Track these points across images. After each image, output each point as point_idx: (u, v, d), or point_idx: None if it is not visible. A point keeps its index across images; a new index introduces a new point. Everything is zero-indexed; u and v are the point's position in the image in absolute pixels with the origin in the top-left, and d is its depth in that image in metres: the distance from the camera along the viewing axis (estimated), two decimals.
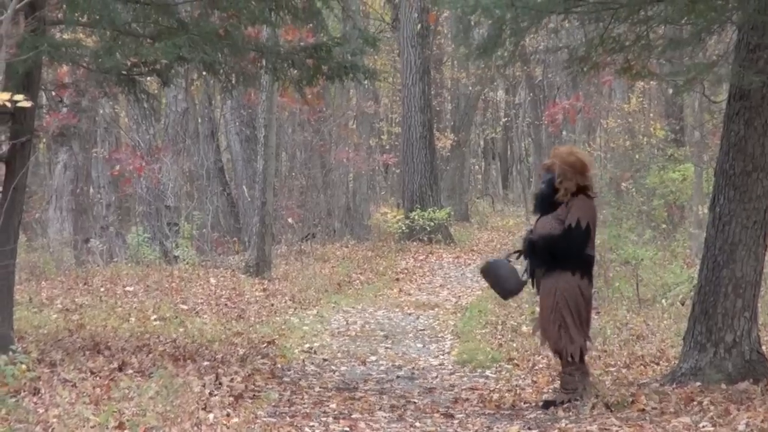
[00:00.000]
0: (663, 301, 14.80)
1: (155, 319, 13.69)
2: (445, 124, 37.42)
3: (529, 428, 8.18)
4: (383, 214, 28.56)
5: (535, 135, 39.31)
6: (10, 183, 9.97)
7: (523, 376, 10.63)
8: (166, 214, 22.40)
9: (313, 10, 11.35)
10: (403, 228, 26.82)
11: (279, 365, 11.14)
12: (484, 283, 11.04)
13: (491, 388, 10.10)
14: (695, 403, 8.45)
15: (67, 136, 21.93)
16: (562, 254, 8.78)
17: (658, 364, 10.69)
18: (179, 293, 16.25)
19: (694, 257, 17.92)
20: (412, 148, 28.05)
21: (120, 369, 9.80)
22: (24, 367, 7.59)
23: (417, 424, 8.40)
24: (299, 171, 28.51)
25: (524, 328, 13.23)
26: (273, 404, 8.81)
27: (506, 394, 9.65)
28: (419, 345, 13.38)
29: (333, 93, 29.63)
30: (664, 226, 22.39)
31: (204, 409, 7.99)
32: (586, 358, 9.20)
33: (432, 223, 26.81)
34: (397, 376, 11.04)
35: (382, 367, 11.63)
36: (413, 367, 11.63)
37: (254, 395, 9.10)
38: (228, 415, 7.92)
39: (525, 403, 9.28)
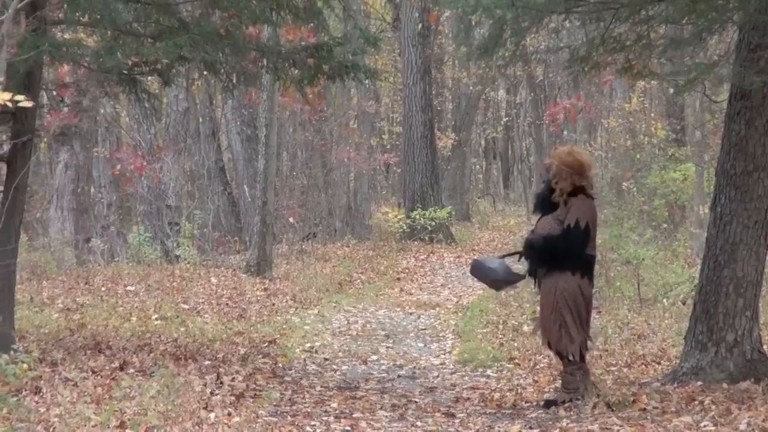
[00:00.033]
0: (664, 300, 14.80)
1: (156, 319, 13.69)
2: (446, 124, 37.42)
3: (531, 427, 8.18)
4: (384, 213, 28.56)
5: (536, 135, 39.33)
6: (12, 182, 9.97)
7: (524, 376, 10.63)
8: (167, 213, 22.41)
9: (314, 10, 11.35)
10: (404, 227, 26.82)
11: (280, 364, 11.14)
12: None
13: (492, 388, 10.10)
14: (696, 402, 8.45)
15: (68, 136, 21.93)
16: (561, 254, 8.79)
17: (659, 363, 10.69)
18: (180, 293, 16.25)
19: (695, 257, 17.92)
20: (413, 148, 28.05)
21: (121, 368, 9.81)
22: (25, 366, 7.59)
23: (418, 423, 8.40)
24: (300, 170, 28.51)
25: (525, 328, 13.23)
26: (274, 403, 8.81)
27: (507, 394, 9.66)
28: (420, 344, 13.38)
29: (334, 92, 29.62)
30: (665, 225, 22.39)
31: (205, 408, 7.99)
32: (587, 357, 9.21)
33: (433, 223, 26.81)
34: (399, 376, 11.05)
35: (383, 367, 11.63)
36: (414, 367, 11.63)
37: (255, 394, 9.10)
38: (229, 414, 7.93)
39: (526, 402, 9.28)
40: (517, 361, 11.42)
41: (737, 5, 9.21)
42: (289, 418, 8.33)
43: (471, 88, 35.68)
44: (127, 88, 11.73)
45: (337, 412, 8.74)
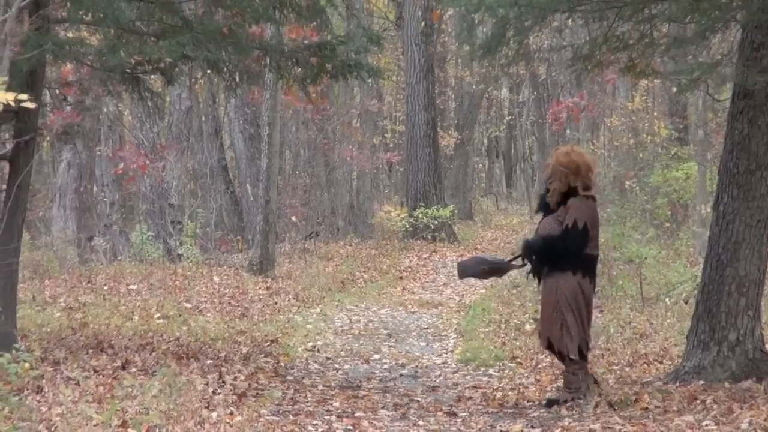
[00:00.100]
0: (666, 299, 14.80)
1: (158, 318, 13.69)
2: (448, 123, 37.42)
3: (533, 427, 8.18)
4: (387, 212, 28.56)
5: (539, 133, 39.33)
6: (14, 181, 9.98)
7: (526, 375, 10.63)
8: (170, 212, 22.41)
9: (317, 9, 11.34)
10: (407, 226, 26.82)
11: (282, 364, 11.14)
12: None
13: (494, 387, 10.10)
14: (698, 401, 8.45)
15: (70, 135, 21.93)
16: (560, 255, 8.81)
17: (661, 362, 10.69)
18: (183, 291, 16.26)
19: (697, 256, 17.91)
20: (415, 147, 28.05)
21: (123, 367, 9.81)
22: (27, 365, 7.60)
23: (420, 422, 8.40)
24: (303, 169, 28.51)
25: (527, 327, 13.23)
26: (276, 403, 8.81)
27: (509, 393, 9.65)
28: (423, 343, 13.38)
29: (337, 91, 29.64)
30: (667, 224, 22.40)
31: (207, 407, 7.99)
32: (589, 356, 9.21)
33: (435, 222, 26.81)
34: (401, 375, 11.05)
35: (385, 366, 11.63)
36: (416, 366, 11.63)
37: (257, 393, 9.10)
38: (231, 413, 7.92)
39: (528, 401, 9.28)
40: (519, 360, 11.42)
41: (740, 4, 9.20)
42: (291, 417, 8.33)
43: (474, 86, 35.69)
44: (130, 87, 11.73)
45: (339, 411, 8.74)
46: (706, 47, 11.70)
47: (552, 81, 36.76)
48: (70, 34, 12.83)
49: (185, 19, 10.77)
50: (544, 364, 10.92)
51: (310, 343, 12.84)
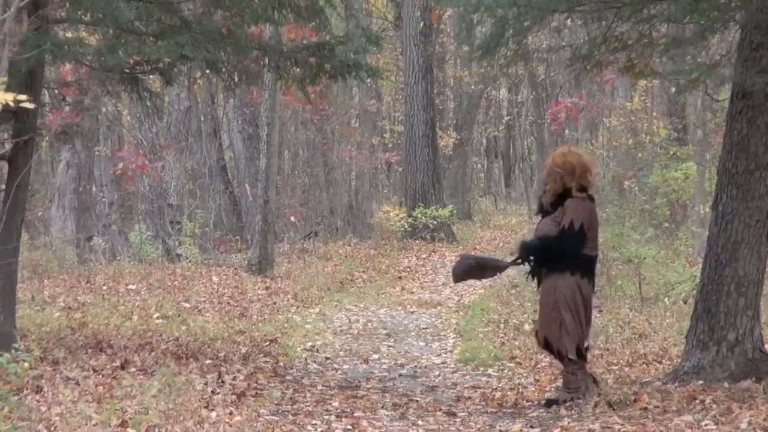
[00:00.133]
0: (665, 299, 14.81)
1: (158, 318, 13.69)
2: (447, 123, 37.43)
3: (532, 427, 8.18)
4: (386, 212, 28.57)
5: (538, 133, 39.36)
6: (13, 181, 9.97)
7: (525, 375, 10.63)
8: (169, 212, 22.41)
9: (315, 9, 11.34)
10: (406, 226, 26.82)
11: (281, 363, 11.14)
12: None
13: (494, 387, 10.10)
14: (697, 401, 8.45)
15: (69, 135, 21.94)
16: (557, 255, 8.83)
17: (660, 362, 10.69)
18: (182, 291, 16.25)
19: (696, 256, 17.93)
20: (414, 147, 28.05)
21: (122, 367, 9.81)
22: (26, 365, 7.59)
23: (419, 422, 8.40)
24: (302, 169, 28.51)
25: (527, 327, 13.23)
26: (275, 402, 8.81)
27: (509, 393, 9.66)
28: (422, 343, 13.39)
29: (336, 91, 29.64)
30: (666, 224, 22.41)
31: (206, 407, 7.99)
32: (588, 356, 9.21)
33: (434, 222, 26.81)
34: (400, 375, 11.05)
35: (384, 366, 11.63)
36: (416, 366, 11.64)
37: (257, 393, 9.10)
38: (230, 413, 7.92)
39: (527, 401, 9.28)
40: (518, 360, 11.42)
41: (739, 4, 9.20)
42: (290, 417, 8.33)
43: (472, 86, 35.69)
44: (128, 87, 11.73)
45: (338, 411, 8.74)
46: (705, 47, 11.69)
47: (551, 81, 36.78)
48: (69, 34, 12.83)
49: (184, 20, 10.77)
50: (543, 364, 10.92)
51: (309, 343, 12.84)
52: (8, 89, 5.93)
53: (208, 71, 12.26)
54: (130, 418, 7.13)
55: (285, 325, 14.01)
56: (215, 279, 17.87)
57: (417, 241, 26.35)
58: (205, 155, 25.87)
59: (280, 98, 21.03)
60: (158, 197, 22.49)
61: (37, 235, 24.04)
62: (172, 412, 7.42)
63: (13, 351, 7.71)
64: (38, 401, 7.90)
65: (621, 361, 10.80)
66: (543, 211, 9.10)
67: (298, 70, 11.43)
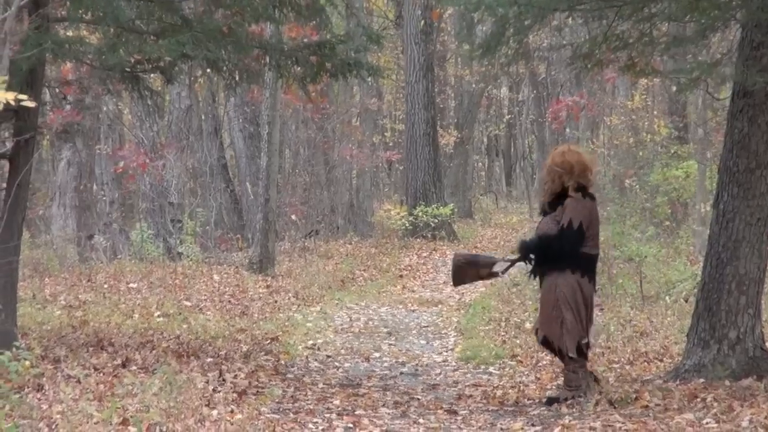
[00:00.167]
0: (666, 297, 14.81)
1: (159, 316, 13.69)
2: (448, 121, 37.43)
3: (533, 425, 8.19)
4: (386, 210, 28.56)
5: (539, 132, 39.35)
6: (14, 180, 9.98)
7: (526, 373, 10.63)
8: (170, 210, 22.41)
9: (316, 7, 11.34)
10: (407, 225, 26.82)
11: (282, 362, 11.14)
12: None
13: (495, 385, 10.10)
14: (699, 399, 8.45)
15: (70, 133, 21.91)
16: (556, 254, 8.84)
17: (661, 360, 10.70)
18: (183, 290, 16.26)
19: (697, 254, 17.92)
20: (415, 145, 28.05)
21: (123, 365, 9.81)
22: (28, 363, 7.59)
23: (420, 420, 8.40)
24: (303, 168, 28.52)
25: (528, 325, 13.23)
26: (276, 400, 8.81)
27: (510, 391, 9.66)
28: (423, 342, 13.39)
29: (337, 90, 29.64)
30: (667, 223, 22.41)
31: (207, 405, 8.00)
32: (589, 354, 9.21)
33: (435, 220, 26.81)
34: (401, 373, 11.05)
35: (385, 364, 11.64)
36: (417, 364, 11.64)
37: (258, 391, 9.10)
38: (232, 411, 7.93)
39: (528, 399, 9.28)
40: (519, 358, 11.42)
41: (740, 3, 9.20)
42: (291, 415, 8.33)
43: (473, 85, 35.69)
44: (129, 86, 11.73)
45: (339, 409, 8.75)
46: (706, 46, 11.70)
47: (552, 80, 36.78)
48: (69, 33, 12.82)
49: (185, 18, 10.77)
50: (544, 362, 10.92)
51: (311, 342, 12.84)
52: (9, 88, 5.94)
53: (208, 70, 12.27)
54: (131, 416, 7.13)
55: (286, 324, 14.01)
56: (216, 277, 17.87)
57: (418, 240, 26.35)
58: (206, 154, 25.88)
59: (281, 97, 21.03)
60: (159, 196, 22.49)
61: (38, 234, 24.05)
62: (173, 410, 7.42)
63: (14, 349, 7.71)
64: (39, 399, 7.91)
65: (622, 359, 10.81)
66: (545, 211, 9.11)
67: (299, 68, 11.43)
